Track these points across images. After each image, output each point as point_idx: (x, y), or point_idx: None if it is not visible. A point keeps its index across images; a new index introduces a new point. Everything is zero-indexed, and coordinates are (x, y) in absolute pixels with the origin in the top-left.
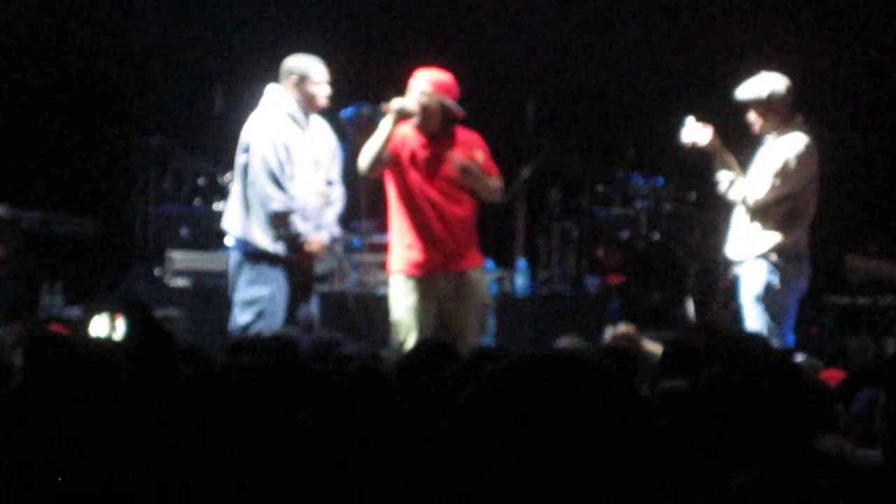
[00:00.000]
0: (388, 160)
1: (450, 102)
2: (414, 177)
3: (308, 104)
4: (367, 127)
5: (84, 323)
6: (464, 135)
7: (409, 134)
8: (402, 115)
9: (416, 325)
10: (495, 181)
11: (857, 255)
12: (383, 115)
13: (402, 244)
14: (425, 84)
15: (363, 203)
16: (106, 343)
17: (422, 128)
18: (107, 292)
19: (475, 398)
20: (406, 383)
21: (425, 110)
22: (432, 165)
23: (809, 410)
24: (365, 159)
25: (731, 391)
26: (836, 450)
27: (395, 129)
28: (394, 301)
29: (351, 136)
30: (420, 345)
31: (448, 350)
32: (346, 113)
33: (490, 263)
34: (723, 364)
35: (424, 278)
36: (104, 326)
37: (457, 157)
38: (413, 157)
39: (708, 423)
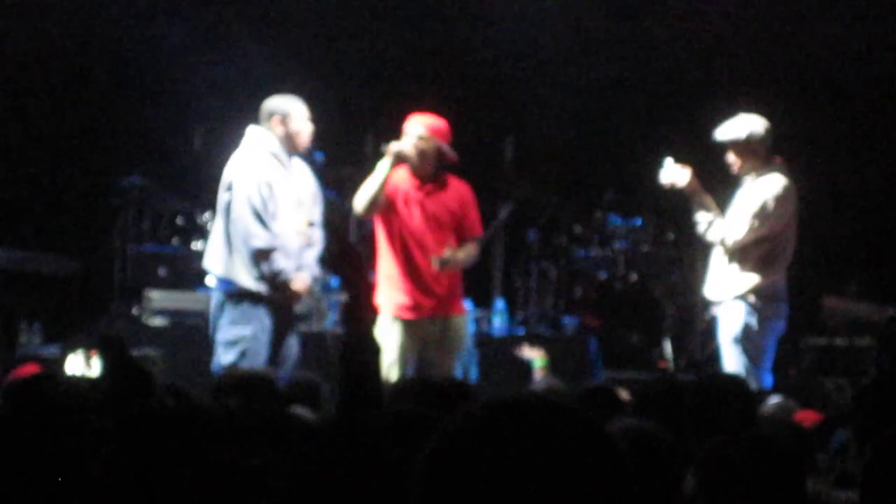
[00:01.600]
0: (384, 203)
1: (445, 147)
2: (406, 220)
3: (290, 144)
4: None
5: (60, 361)
6: (455, 184)
7: (402, 177)
8: (400, 159)
9: (400, 366)
10: (472, 250)
11: (834, 297)
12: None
13: (390, 287)
14: (422, 128)
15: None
16: (81, 381)
17: (416, 172)
18: (84, 331)
19: (445, 442)
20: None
21: (421, 154)
22: (425, 210)
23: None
24: (362, 201)
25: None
26: (814, 492)
27: (391, 173)
28: (379, 341)
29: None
30: (405, 382)
31: (431, 388)
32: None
33: (468, 303)
34: (697, 406)
35: (411, 322)
36: (79, 364)
37: (434, 258)
38: (406, 201)
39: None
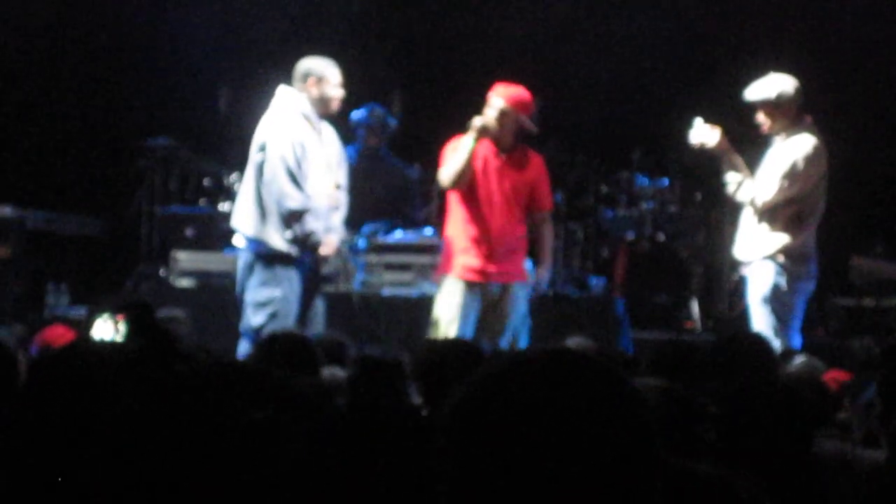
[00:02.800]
0: (470, 176)
1: (525, 119)
2: (483, 186)
3: (323, 107)
4: (378, 128)
5: (87, 325)
6: (533, 157)
7: (482, 145)
8: (483, 133)
9: (458, 326)
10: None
11: (862, 257)
12: (394, 116)
13: (459, 249)
14: (504, 101)
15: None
16: (107, 346)
17: (496, 141)
18: (110, 293)
19: (472, 392)
20: (430, 378)
21: (502, 126)
22: (502, 179)
23: (807, 412)
24: (448, 174)
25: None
26: (839, 451)
27: (476, 147)
28: (442, 299)
29: (363, 138)
30: (453, 342)
31: (477, 351)
32: (358, 115)
33: (528, 263)
34: (717, 365)
35: (475, 284)
36: (108, 328)
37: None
38: (485, 169)
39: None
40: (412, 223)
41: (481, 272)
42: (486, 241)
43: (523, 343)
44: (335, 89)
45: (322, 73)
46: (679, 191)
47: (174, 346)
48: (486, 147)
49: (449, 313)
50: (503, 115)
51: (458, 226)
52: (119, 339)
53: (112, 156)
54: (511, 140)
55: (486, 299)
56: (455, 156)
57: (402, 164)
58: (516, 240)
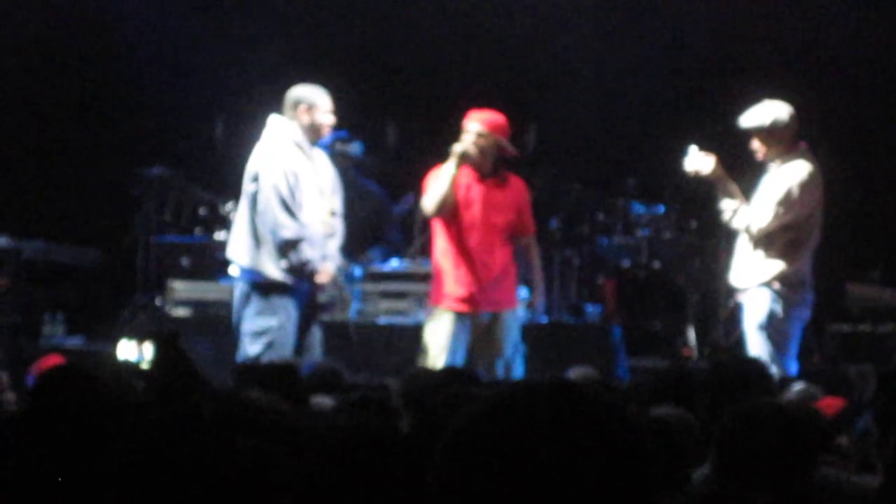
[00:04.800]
0: (453, 203)
1: (504, 142)
2: (466, 214)
3: (314, 134)
4: (340, 153)
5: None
6: (514, 181)
7: (463, 172)
8: (464, 159)
9: (447, 356)
10: (539, 263)
11: (858, 284)
12: (357, 142)
13: (446, 278)
14: (482, 126)
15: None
16: (128, 366)
17: (477, 168)
18: (115, 326)
19: (467, 424)
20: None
21: (481, 151)
22: (485, 204)
23: (808, 439)
24: (431, 202)
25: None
26: (836, 478)
27: (458, 173)
28: (430, 330)
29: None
30: (446, 369)
31: (473, 377)
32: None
33: (521, 290)
34: (716, 391)
35: (464, 314)
36: (132, 352)
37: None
38: (467, 196)
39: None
40: (389, 244)
41: (470, 301)
42: (472, 269)
43: (518, 370)
44: (326, 116)
45: (313, 101)
46: (675, 218)
47: (197, 375)
48: (468, 175)
49: (438, 344)
50: (481, 138)
51: (444, 255)
52: (144, 364)
53: (108, 185)
54: (492, 165)
55: (477, 328)
56: (437, 184)
57: (375, 186)
58: (503, 266)
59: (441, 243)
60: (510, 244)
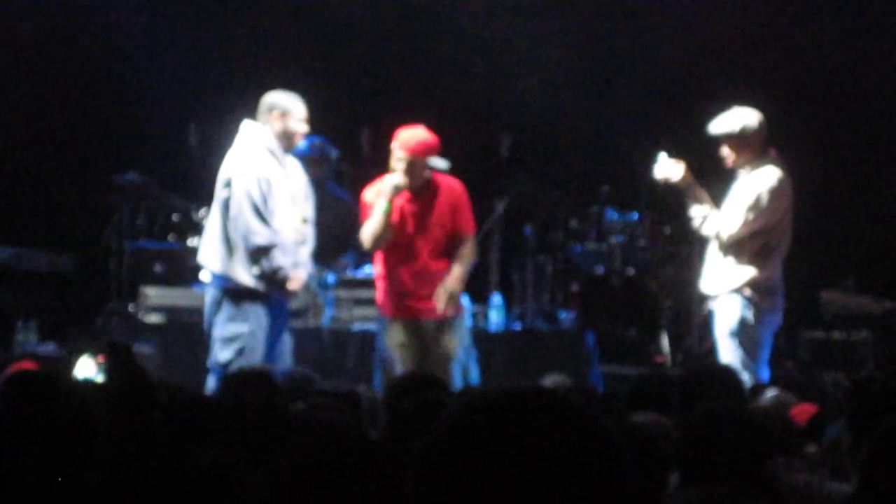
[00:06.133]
0: (391, 235)
1: (433, 161)
2: (402, 230)
3: (286, 141)
4: (319, 159)
5: (69, 362)
6: (445, 185)
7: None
8: (398, 191)
9: (402, 361)
10: (468, 260)
11: (832, 291)
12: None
13: (388, 287)
14: (408, 152)
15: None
16: (87, 384)
17: (409, 186)
18: (87, 332)
19: (443, 433)
20: (394, 412)
21: (411, 174)
22: (417, 218)
23: (766, 441)
24: (368, 238)
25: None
26: (808, 484)
27: (392, 206)
28: (380, 339)
29: (305, 171)
30: (407, 376)
31: (434, 381)
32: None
33: (465, 299)
34: (692, 398)
35: (408, 321)
36: (90, 368)
37: (439, 302)
38: (401, 212)
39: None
40: (361, 252)
41: (410, 308)
42: (412, 281)
43: (474, 374)
44: (299, 124)
45: (286, 107)
46: (648, 225)
47: (152, 389)
48: (399, 196)
49: (389, 352)
50: (411, 165)
51: (384, 269)
52: (100, 378)
53: (81, 191)
54: (421, 181)
55: (425, 335)
56: (373, 220)
57: (348, 194)
58: (442, 275)
59: (381, 257)
60: (450, 249)
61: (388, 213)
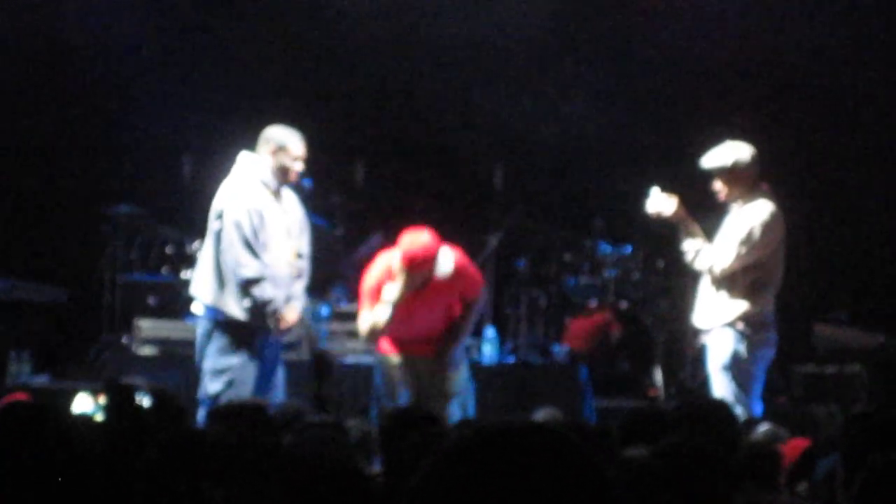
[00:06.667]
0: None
1: (436, 269)
2: (407, 304)
3: (281, 176)
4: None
5: (67, 398)
6: (460, 273)
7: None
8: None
9: (398, 397)
10: (469, 323)
11: (824, 324)
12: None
13: (391, 323)
14: (409, 270)
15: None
16: (84, 420)
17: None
18: (81, 364)
19: (437, 467)
20: (388, 447)
21: (412, 285)
22: (425, 298)
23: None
24: (364, 331)
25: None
26: None
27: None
28: (377, 375)
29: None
30: (402, 411)
31: (429, 417)
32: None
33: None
34: (681, 433)
35: (408, 358)
36: (87, 405)
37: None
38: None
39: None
40: (340, 279)
41: (410, 345)
42: (413, 325)
43: (471, 408)
44: (295, 162)
45: (284, 143)
46: (642, 258)
47: (148, 428)
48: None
49: (386, 389)
50: (410, 279)
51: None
52: (98, 416)
53: (75, 224)
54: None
55: (421, 372)
56: (372, 318)
57: (324, 221)
58: (446, 323)
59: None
60: (454, 309)
61: (389, 321)
